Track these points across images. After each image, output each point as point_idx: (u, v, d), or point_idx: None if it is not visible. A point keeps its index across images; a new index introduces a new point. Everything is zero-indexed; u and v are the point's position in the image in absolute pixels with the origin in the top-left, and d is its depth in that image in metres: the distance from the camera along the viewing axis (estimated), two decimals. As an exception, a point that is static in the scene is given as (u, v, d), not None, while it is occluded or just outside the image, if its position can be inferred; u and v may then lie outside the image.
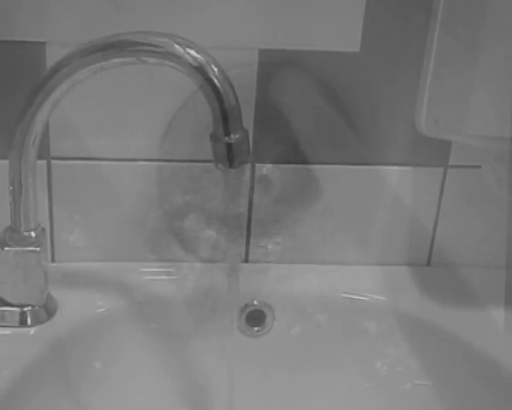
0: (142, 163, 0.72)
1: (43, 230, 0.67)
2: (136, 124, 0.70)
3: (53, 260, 0.74)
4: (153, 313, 0.72)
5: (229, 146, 0.57)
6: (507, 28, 0.64)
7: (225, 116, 0.56)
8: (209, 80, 0.56)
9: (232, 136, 0.57)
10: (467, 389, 0.71)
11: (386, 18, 0.68)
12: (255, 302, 0.73)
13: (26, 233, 0.65)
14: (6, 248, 0.65)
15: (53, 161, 0.71)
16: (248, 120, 0.69)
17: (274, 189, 0.74)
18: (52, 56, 0.64)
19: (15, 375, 0.63)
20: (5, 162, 0.63)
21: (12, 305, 0.67)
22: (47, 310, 0.68)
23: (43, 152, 0.69)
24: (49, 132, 0.69)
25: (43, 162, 0.70)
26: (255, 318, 0.74)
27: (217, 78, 0.56)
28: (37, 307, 0.68)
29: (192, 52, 0.55)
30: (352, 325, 0.74)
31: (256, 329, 0.74)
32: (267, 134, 0.71)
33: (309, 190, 0.74)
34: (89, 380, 0.70)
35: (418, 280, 0.77)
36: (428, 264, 0.79)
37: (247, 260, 0.77)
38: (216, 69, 0.56)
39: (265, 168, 0.73)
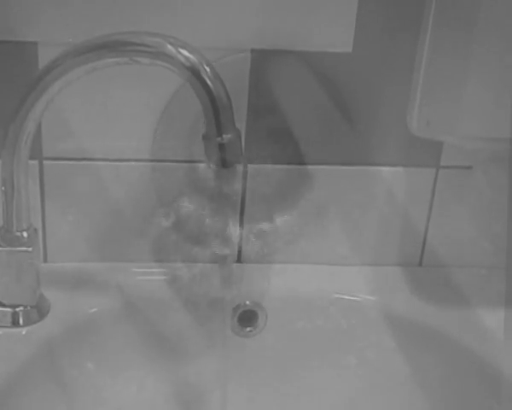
0: (135, 163, 0.72)
1: (36, 230, 0.66)
2: (130, 124, 0.70)
3: (45, 261, 0.74)
4: (145, 313, 0.72)
5: (221, 146, 0.57)
6: (499, 29, 0.64)
7: (218, 116, 0.56)
8: (202, 80, 0.56)
9: (224, 136, 0.57)
10: (457, 388, 0.71)
11: (378, 18, 0.68)
12: (247, 302, 0.73)
13: (18, 233, 0.65)
14: (-2, 248, 0.65)
15: (45, 162, 0.71)
16: (241, 120, 0.69)
17: (266, 189, 0.74)
18: (44, 56, 0.64)
19: (7, 375, 0.63)
20: (-3, 162, 0.63)
21: (4, 305, 0.67)
22: (39, 310, 0.68)
23: (36, 152, 0.69)
24: (41, 132, 0.69)
25: (35, 162, 0.70)
26: (247, 318, 0.74)
27: (209, 78, 0.56)
28: (29, 308, 0.68)
29: (185, 52, 0.56)
30: (343, 325, 0.74)
31: (248, 329, 0.74)
32: (260, 134, 0.71)
33: (301, 191, 0.74)
34: (81, 380, 0.70)
35: (410, 281, 0.77)
36: (420, 264, 0.79)
37: (239, 261, 0.77)
38: (208, 69, 0.56)
39: (258, 168, 0.73)
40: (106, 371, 0.71)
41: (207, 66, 0.56)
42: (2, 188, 0.63)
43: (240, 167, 0.72)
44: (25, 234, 0.65)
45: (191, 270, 0.75)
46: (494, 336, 0.70)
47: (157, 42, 0.56)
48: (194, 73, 0.56)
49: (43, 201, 0.72)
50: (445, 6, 0.65)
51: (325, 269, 0.77)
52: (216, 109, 0.56)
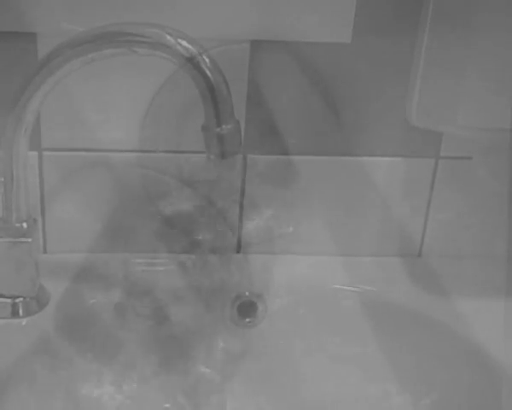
0: (134, 154, 0.72)
1: (35, 221, 0.67)
2: (129, 115, 0.70)
3: (45, 252, 0.74)
4: (146, 304, 0.72)
5: (220, 137, 0.57)
6: (499, 19, 0.64)
7: (217, 107, 0.56)
8: (201, 71, 0.56)
9: (224, 126, 0.57)
10: (457, 378, 0.71)
11: (377, 9, 0.68)
12: (247, 293, 0.73)
13: (17, 224, 0.65)
14: (-3, 240, 0.65)
15: (44, 153, 0.71)
16: (240, 111, 0.69)
17: (266, 179, 0.74)
18: (43, 47, 0.64)
19: (7, 366, 0.64)
20: (-4, 153, 0.63)
21: (4, 296, 0.67)
22: (39, 301, 0.68)
23: (35, 143, 0.69)
24: (40, 123, 0.69)
25: (34, 153, 0.70)
26: (247, 309, 0.74)
27: (208, 68, 0.56)
28: (28, 299, 0.68)
29: (184, 43, 0.56)
30: (343, 316, 0.74)
31: (248, 320, 0.74)
32: (259, 125, 0.71)
33: (301, 181, 0.74)
34: (80, 372, 0.70)
35: (409, 271, 0.77)
36: (420, 255, 0.79)
37: (238, 251, 0.77)
38: (208, 60, 0.56)
39: (258, 159, 0.73)
40: (106, 362, 0.71)
41: (206, 56, 0.56)
42: (2, 179, 0.63)
43: (239, 158, 0.72)
44: (24, 225, 0.65)
45: (191, 261, 0.75)
46: (494, 326, 0.70)
47: (156, 32, 0.56)
48: (194, 63, 0.56)
49: (42, 192, 0.72)
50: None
51: (325, 260, 0.77)
52: (215, 100, 0.56)
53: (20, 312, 0.67)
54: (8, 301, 0.67)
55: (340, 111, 0.72)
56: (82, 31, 0.57)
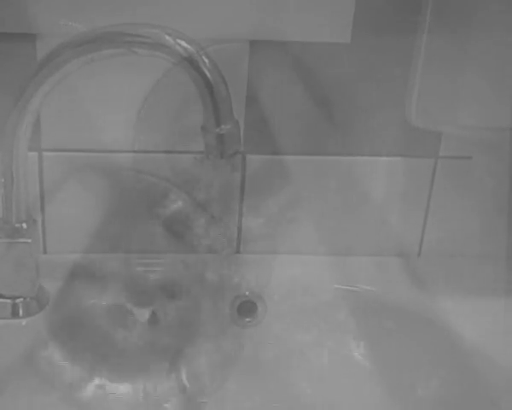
0: (134, 155, 0.72)
1: (35, 221, 0.67)
2: (128, 115, 0.70)
3: (45, 252, 0.74)
4: (146, 304, 0.72)
5: (219, 137, 0.57)
6: (498, 19, 0.64)
7: (216, 107, 0.56)
8: (200, 71, 0.56)
9: (223, 126, 0.57)
10: (456, 378, 0.71)
11: (377, 9, 0.68)
12: (247, 293, 0.73)
13: (17, 225, 0.65)
14: (-3, 240, 0.65)
15: (44, 153, 0.71)
16: (239, 112, 0.69)
17: (266, 179, 0.74)
18: (42, 48, 0.64)
19: (7, 366, 0.64)
20: (-4, 154, 0.63)
21: (4, 297, 0.67)
22: (39, 301, 0.68)
23: (35, 144, 0.69)
24: (40, 124, 0.69)
25: (34, 154, 0.70)
26: (247, 308, 0.74)
27: (208, 69, 0.56)
28: (28, 299, 0.68)
29: (183, 43, 0.56)
30: (343, 316, 0.74)
31: (248, 320, 0.74)
32: (258, 125, 0.71)
33: (300, 181, 0.74)
34: (80, 371, 0.70)
35: (409, 271, 0.77)
36: (419, 255, 0.79)
37: (238, 251, 0.77)
38: (207, 60, 0.56)
39: (257, 159, 0.73)
40: (105, 363, 0.71)
41: (206, 56, 0.56)
42: (2, 180, 0.63)
43: (238, 158, 0.72)
44: (24, 225, 0.65)
45: (191, 261, 0.75)
46: (493, 326, 0.70)
47: (155, 33, 0.56)
48: (193, 63, 0.56)
49: (42, 192, 0.72)
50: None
51: (325, 260, 0.77)
52: (214, 100, 0.56)
53: (20, 312, 0.68)
54: (8, 301, 0.67)
55: (340, 111, 0.72)
56: (82, 31, 0.57)
